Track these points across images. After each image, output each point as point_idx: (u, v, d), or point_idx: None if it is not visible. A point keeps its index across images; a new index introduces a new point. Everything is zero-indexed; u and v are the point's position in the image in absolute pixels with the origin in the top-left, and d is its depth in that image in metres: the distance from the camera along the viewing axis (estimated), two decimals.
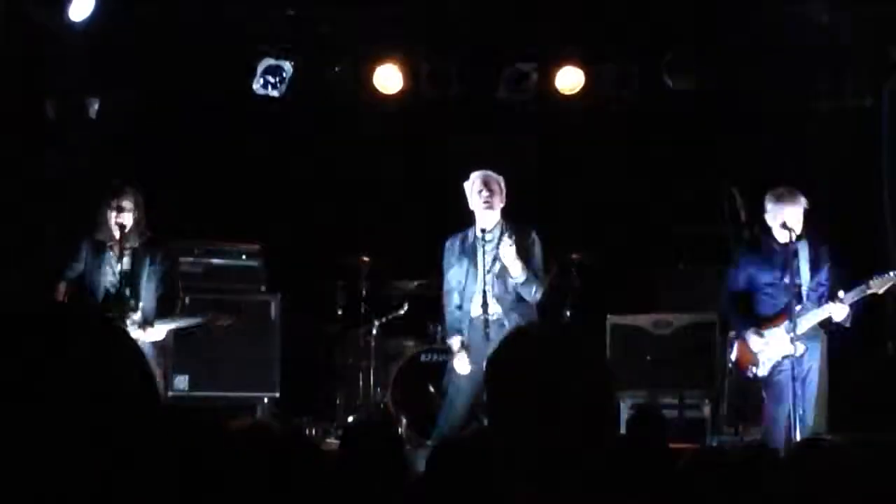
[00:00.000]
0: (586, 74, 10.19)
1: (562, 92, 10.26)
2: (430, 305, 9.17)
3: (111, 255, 7.57)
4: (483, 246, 7.73)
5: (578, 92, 10.24)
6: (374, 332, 9.60)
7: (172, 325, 7.62)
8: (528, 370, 2.12)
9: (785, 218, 7.69)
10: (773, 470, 4.07)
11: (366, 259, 9.69)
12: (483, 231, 7.75)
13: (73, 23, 8.91)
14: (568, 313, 9.84)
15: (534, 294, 7.69)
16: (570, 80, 10.18)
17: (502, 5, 9.96)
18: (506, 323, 7.59)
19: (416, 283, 9.61)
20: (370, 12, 9.92)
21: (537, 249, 7.79)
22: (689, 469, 3.89)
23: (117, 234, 7.49)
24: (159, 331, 7.46)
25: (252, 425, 3.70)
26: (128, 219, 7.51)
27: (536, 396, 2.08)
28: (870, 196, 10.02)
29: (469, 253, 7.80)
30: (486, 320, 7.63)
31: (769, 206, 7.82)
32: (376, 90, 10.22)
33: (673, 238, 10.26)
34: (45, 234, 8.89)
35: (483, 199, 7.77)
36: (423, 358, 9.43)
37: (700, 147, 10.27)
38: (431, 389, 9.06)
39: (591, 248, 9.92)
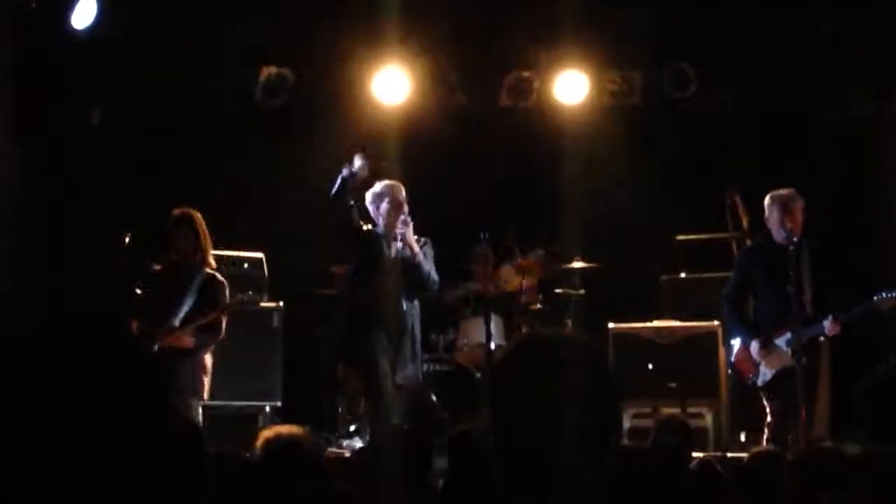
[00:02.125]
0: (588, 81, 10.19)
1: (563, 100, 10.26)
2: (433, 314, 9.17)
3: (165, 279, 7.70)
4: (391, 247, 8.16)
5: (580, 100, 10.24)
6: None
7: (197, 323, 7.69)
8: (532, 377, 2.11)
9: (784, 218, 7.68)
10: (777, 478, 4.06)
11: None
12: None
13: (76, 30, 8.92)
14: (570, 321, 9.83)
15: (433, 274, 8.18)
16: (572, 86, 10.18)
17: (504, 12, 9.97)
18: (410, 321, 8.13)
19: None
20: (372, 20, 9.92)
21: (428, 249, 8.27)
22: (694, 477, 3.88)
23: (176, 259, 7.64)
24: (188, 333, 7.56)
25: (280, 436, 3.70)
26: (185, 248, 7.65)
27: (539, 404, 2.07)
28: (874, 204, 10.02)
29: (379, 252, 8.14)
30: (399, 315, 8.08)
31: (768, 206, 7.82)
32: (378, 98, 10.22)
33: (675, 246, 10.24)
34: (48, 243, 8.89)
35: (404, 213, 8.19)
36: (425, 368, 9.40)
37: (703, 154, 10.27)
38: (434, 399, 9.04)
39: (594, 256, 9.91)
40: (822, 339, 7.77)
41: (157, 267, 7.85)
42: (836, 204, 9.84)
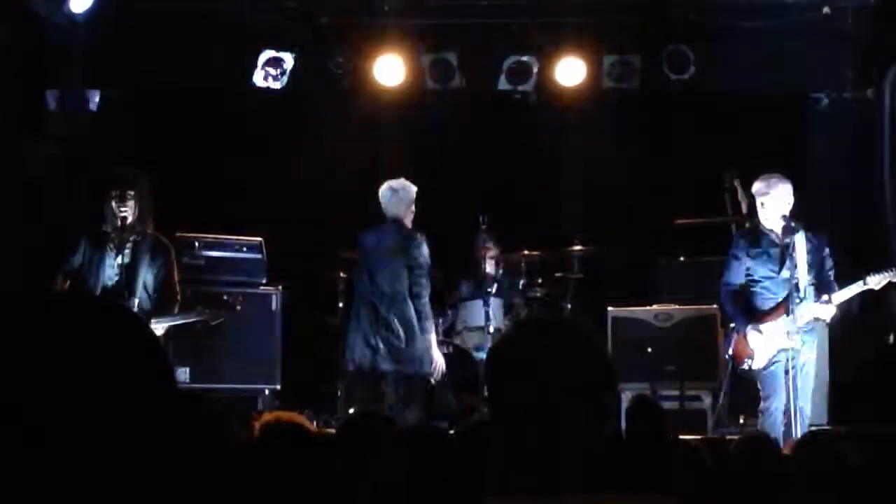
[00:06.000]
0: (587, 66, 10.17)
1: (563, 83, 10.25)
2: (431, 298, 9.17)
3: (111, 247, 7.56)
4: None
5: (579, 83, 10.23)
6: None
7: (168, 324, 7.62)
8: (530, 360, 2.12)
9: (770, 204, 7.70)
10: (774, 461, 4.07)
11: None
12: None
13: (74, 15, 8.91)
14: (569, 305, 9.84)
15: None
16: (571, 71, 10.17)
17: None
18: None
19: None
20: (371, 3, 9.91)
21: None
22: (690, 460, 3.89)
23: (119, 225, 7.48)
24: (156, 328, 7.47)
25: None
26: (131, 210, 7.50)
27: (536, 389, 2.08)
28: (870, 188, 10.01)
29: None
30: None
31: (756, 191, 7.84)
32: (377, 82, 10.21)
33: (674, 230, 10.24)
34: (45, 229, 8.89)
35: None
36: None
37: (701, 138, 10.26)
38: (432, 382, 9.05)
39: (592, 240, 9.91)
40: (819, 322, 7.78)
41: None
42: (833, 186, 9.85)
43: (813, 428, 7.31)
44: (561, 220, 10.34)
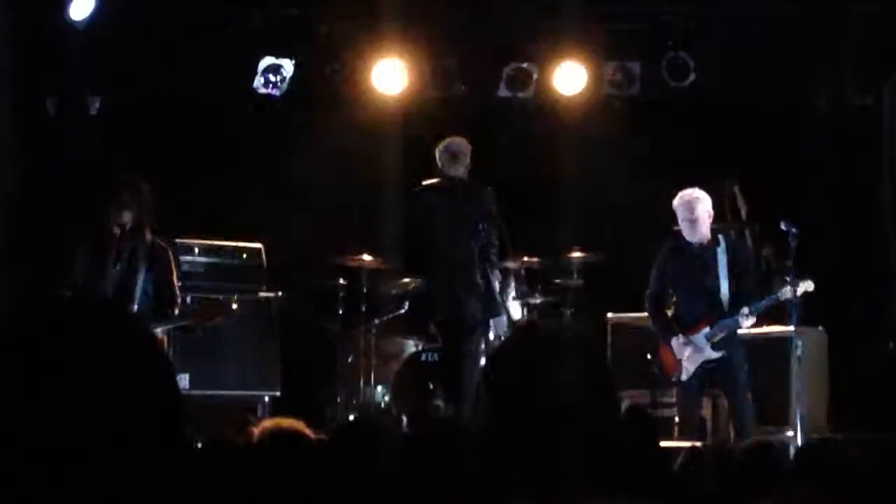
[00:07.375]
0: (587, 72, 10.18)
1: (562, 90, 10.25)
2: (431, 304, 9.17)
3: (110, 254, 7.55)
4: None
5: (579, 90, 10.23)
6: (374, 331, 9.58)
7: (166, 328, 7.61)
8: (530, 367, 2.11)
9: (686, 220, 7.77)
10: (776, 468, 4.07)
11: (366, 258, 9.68)
12: None
13: (75, 21, 8.92)
14: (569, 312, 9.82)
15: None
16: (571, 78, 10.17)
17: (503, 2, 9.96)
18: None
19: (416, 281, 9.58)
20: (371, 11, 9.92)
21: None
22: (689, 467, 3.89)
23: (117, 232, 7.47)
24: (156, 332, 7.45)
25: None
26: (128, 217, 7.48)
27: (536, 396, 2.07)
28: (870, 193, 10.02)
29: None
30: None
31: (674, 207, 7.89)
32: (377, 89, 10.21)
33: (674, 236, 10.24)
34: (45, 233, 8.89)
35: None
36: (423, 357, 9.41)
37: (701, 145, 10.26)
38: (431, 388, 9.05)
39: (592, 247, 9.91)
40: (742, 330, 7.84)
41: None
42: (833, 191, 9.85)
43: (814, 435, 7.32)
44: (560, 226, 10.33)
